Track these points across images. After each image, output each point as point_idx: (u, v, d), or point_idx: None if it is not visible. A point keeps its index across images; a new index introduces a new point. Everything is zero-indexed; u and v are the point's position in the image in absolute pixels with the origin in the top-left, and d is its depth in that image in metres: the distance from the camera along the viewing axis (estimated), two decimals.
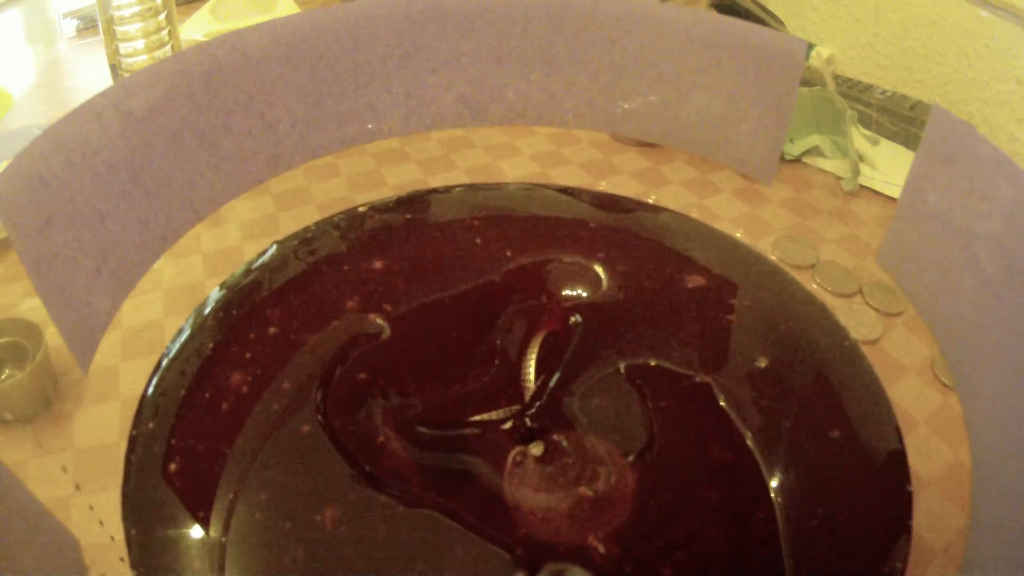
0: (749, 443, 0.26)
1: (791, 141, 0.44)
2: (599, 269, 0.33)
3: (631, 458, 0.25)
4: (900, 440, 0.26)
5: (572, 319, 0.31)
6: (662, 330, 0.30)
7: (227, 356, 0.29)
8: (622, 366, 0.29)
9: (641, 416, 0.27)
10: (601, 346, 0.30)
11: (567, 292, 0.32)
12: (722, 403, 0.27)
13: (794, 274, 0.34)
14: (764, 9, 0.50)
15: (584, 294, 0.32)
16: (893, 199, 0.40)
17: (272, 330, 0.30)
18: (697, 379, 0.28)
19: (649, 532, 0.24)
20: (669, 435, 0.26)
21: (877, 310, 0.33)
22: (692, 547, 0.23)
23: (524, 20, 0.33)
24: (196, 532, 0.23)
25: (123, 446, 0.26)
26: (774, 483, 0.25)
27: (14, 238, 0.22)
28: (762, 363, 0.29)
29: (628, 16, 0.33)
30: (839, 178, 0.42)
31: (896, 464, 0.26)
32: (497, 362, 0.29)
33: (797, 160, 0.43)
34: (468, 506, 0.24)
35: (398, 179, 0.40)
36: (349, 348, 0.29)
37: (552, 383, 0.28)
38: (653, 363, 0.29)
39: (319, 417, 0.27)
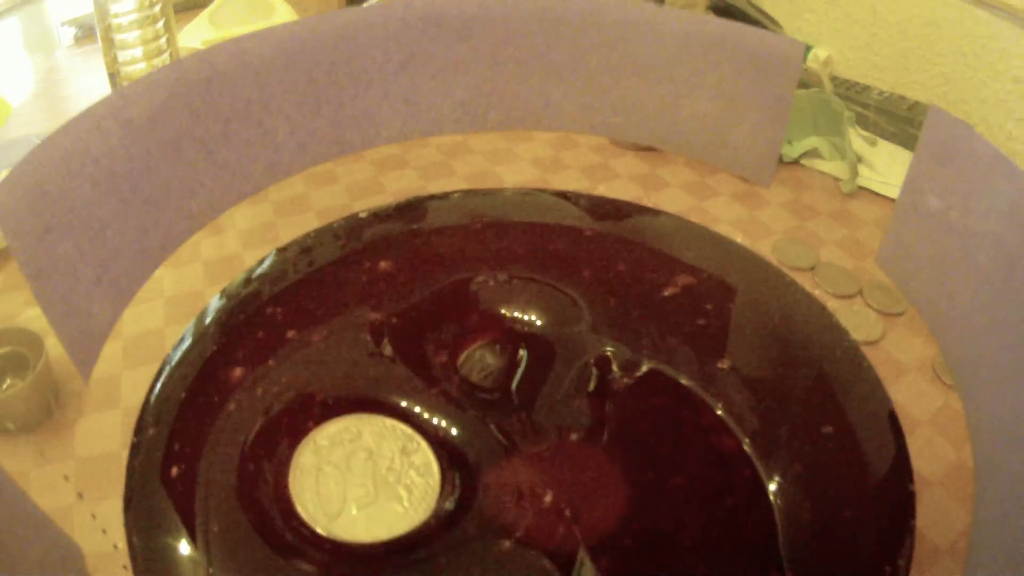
0: (748, 446, 0.26)
1: (789, 143, 0.44)
2: (596, 274, 0.33)
3: (630, 458, 0.25)
4: (902, 440, 0.26)
5: (565, 320, 0.31)
6: (661, 332, 0.30)
7: (228, 363, 0.29)
8: (617, 365, 0.29)
9: (641, 417, 0.27)
10: (598, 347, 0.29)
11: (561, 293, 0.32)
12: (722, 406, 0.27)
13: (794, 276, 0.34)
14: (761, 11, 0.50)
15: (581, 297, 0.32)
16: (892, 200, 0.40)
17: (273, 337, 0.30)
18: (697, 382, 0.28)
19: (652, 535, 0.24)
20: (669, 437, 0.26)
21: (877, 311, 0.33)
22: (691, 545, 0.23)
23: (521, 25, 0.33)
24: (198, 540, 0.23)
25: (125, 454, 0.26)
26: (775, 484, 0.25)
27: (14, 247, 0.22)
28: (763, 365, 0.29)
29: (625, 20, 0.33)
30: (837, 180, 0.42)
31: (899, 464, 0.26)
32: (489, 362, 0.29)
33: (795, 162, 0.43)
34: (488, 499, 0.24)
35: (397, 185, 0.40)
36: (351, 353, 0.29)
37: (541, 379, 0.28)
38: (652, 364, 0.29)
39: (321, 421, 0.27)
